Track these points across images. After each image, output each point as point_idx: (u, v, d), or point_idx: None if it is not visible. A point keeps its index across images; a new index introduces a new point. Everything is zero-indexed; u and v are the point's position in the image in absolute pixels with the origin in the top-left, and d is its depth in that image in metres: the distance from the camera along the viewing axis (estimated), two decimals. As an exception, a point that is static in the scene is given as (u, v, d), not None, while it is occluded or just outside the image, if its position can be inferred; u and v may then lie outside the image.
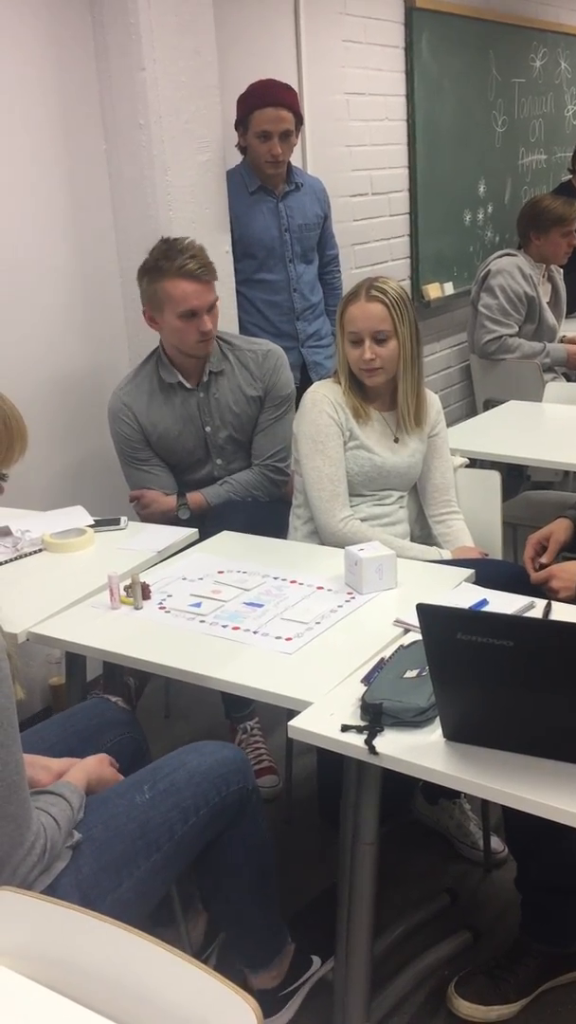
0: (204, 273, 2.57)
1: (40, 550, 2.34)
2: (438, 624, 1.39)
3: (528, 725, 1.41)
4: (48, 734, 1.81)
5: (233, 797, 1.68)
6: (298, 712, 1.60)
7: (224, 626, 1.91)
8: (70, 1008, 1.05)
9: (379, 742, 1.48)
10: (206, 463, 2.81)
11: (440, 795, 2.38)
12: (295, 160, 3.40)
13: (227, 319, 3.10)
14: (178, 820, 1.60)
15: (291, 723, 1.56)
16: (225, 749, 1.74)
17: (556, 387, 3.82)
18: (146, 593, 2.04)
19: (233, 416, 2.76)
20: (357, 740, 1.50)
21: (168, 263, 2.56)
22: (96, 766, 1.66)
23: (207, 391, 2.73)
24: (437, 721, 1.49)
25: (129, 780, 1.67)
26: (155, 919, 1.76)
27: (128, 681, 3.04)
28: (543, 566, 2.11)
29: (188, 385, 2.72)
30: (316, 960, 1.95)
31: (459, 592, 1.96)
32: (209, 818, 1.64)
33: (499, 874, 2.28)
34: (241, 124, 3.21)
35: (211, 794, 1.64)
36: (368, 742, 1.48)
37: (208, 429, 2.75)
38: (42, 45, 2.80)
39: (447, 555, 2.42)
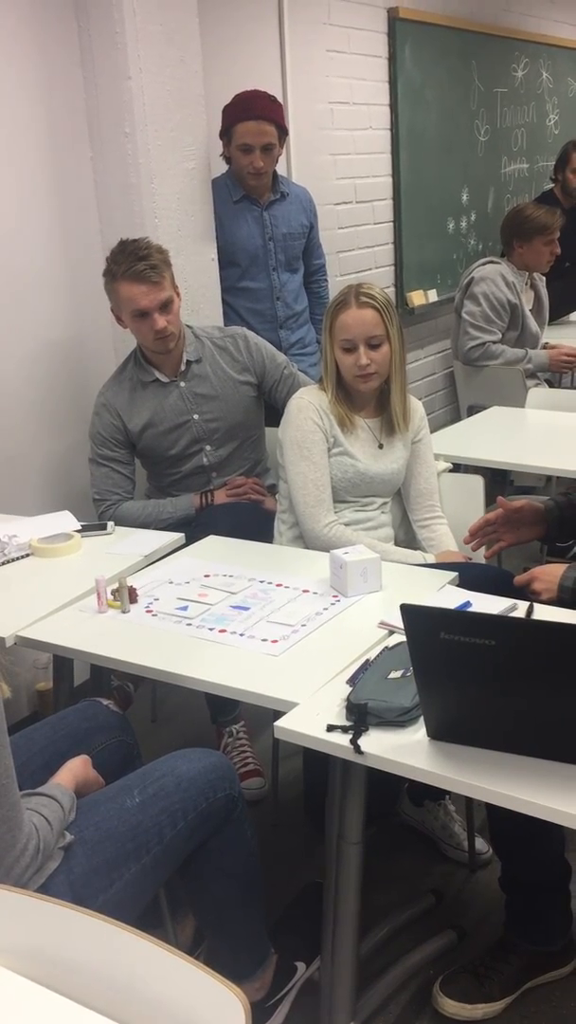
0: (151, 273, 2.61)
1: (27, 555, 2.35)
2: (421, 623, 1.41)
3: (510, 723, 1.42)
4: (38, 736, 1.82)
5: (220, 803, 1.70)
6: (284, 714, 1.61)
7: (211, 629, 1.92)
8: (63, 1004, 1.06)
9: (364, 741, 1.50)
10: (196, 453, 2.84)
11: (425, 797, 2.40)
12: (280, 169, 3.42)
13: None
14: (167, 824, 1.61)
15: (277, 723, 1.58)
16: (211, 756, 1.75)
17: (538, 393, 3.86)
18: (133, 597, 2.05)
19: (216, 401, 2.81)
20: (342, 740, 1.51)
21: (117, 266, 2.64)
22: (82, 768, 1.68)
23: (187, 380, 2.79)
24: (421, 721, 1.51)
25: (119, 784, 1.68)
26: (144, 921, 1.77)
27: (127, 686, 3.05)
28: (487, 523, 2.23)
29: (164, 380, 2.78)
30: (300, 966, 1.96)
31: (443, 595, 1.98)
32: (197, 823, 1.66)
33: (484, 874, 2.30)
34: (225, 135, 3.23)
35: (199, 799, 1.66)
36: (353, 741, 1.50)
37: (196, 417, 2.80)
38: (28, 53, 2.82)
39: (431, 559, 2.44)
